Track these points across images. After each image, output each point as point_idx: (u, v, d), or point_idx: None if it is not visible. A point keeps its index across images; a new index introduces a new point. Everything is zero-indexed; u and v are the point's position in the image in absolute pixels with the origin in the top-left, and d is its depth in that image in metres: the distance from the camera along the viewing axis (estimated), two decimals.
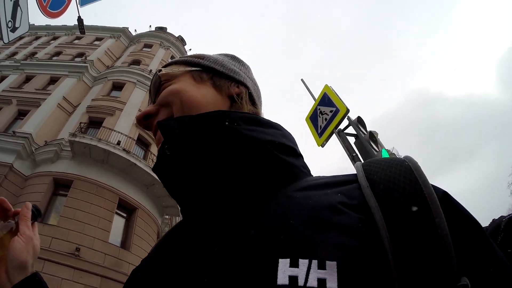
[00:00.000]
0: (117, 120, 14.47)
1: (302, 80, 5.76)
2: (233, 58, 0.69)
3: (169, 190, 0.51)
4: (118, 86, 17.05)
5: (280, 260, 0.34)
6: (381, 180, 0.40)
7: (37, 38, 23.02)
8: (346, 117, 4.31)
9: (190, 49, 24.76)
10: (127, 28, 23.38)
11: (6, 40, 3.60)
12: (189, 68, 0.61)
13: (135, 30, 24.18)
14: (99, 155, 12.23)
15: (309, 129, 4.79)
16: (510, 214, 0.92)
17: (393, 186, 0.38)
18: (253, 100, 0.63)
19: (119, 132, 13.31)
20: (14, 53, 20.93)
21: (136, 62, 19.53)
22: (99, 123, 14.33)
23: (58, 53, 20.43)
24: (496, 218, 0.96)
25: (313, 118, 4.74)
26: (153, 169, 0.51)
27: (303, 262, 0.33)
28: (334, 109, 4.35)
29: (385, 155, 4.15)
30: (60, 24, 22.68)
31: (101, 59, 19.71)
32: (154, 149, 14.32)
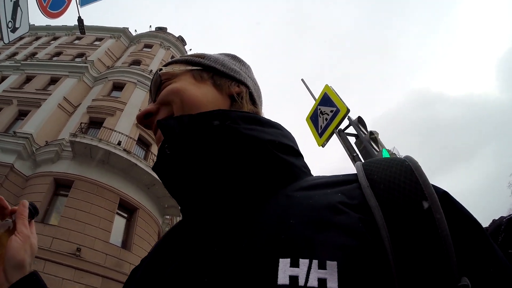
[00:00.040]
0: (118, 120, 14.49)
1: (302, 80, 5.77)
2: (234, 57, 0.69)
3: (169, 189, 0.51)
4: (118, 87, 17.06)
5: (280, 260, 0.34)
6: (381, 179, 0.40)
7: (37, 38, 23.04)
8: (347, 117, 4.31)
9: (190, 49, 24.76)
10: (127, 28, 23.41)
11: (6, 41, 3.60)
12: (190, 67, 0.61)
13: (135, 30, 24.24)
14: (100, 155, 12.24)
15: (310, 129, 4.78)
16: (510, 215, 0.91)
17: (393, 186, 0.38)
18: (254, 99, 0.63)
19: (119, 133, 13.32)
20: (15, 54, 20.95)
21: (137, 62, 19.54)
22: (100, 124, 14.35)
23: (58, 54, 20.44)
24: (496, 218, 0.96)
25: (313, 118, 4.74)
26: (153, 168, 0.51)
27: (303, 262, 0.33)
28: (334, 109, 4.35)
29: (385, 155, 4.16)
30: (60, 24, 22.68)
31: (102, 59, 19.73)
32: (154, 149, 14.32)
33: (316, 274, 0.31)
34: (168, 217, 14.94)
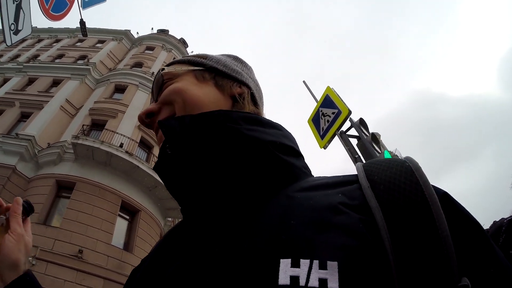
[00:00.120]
0: (120, 123, 14.52)
1: (304, 82, 5.75)
2: (236, 58, 0.69)
3: (170, 190, 0.51)
4: (120, 89, 17.11)
5: (281, 260, 0.34)
6: (381, 180, 0.40)
7: (39, 40, 23.17)
8: (348, 118, 4.30)
9: (192, 51, 24.81)
10: (129, 30, 23.50)
11: (9, 43, 3.62)
12: (192, 68, 0.61)
13: (137, 33, 24.38)
14: (102, 157, 12.27)
15: (312, 131, 4.77)
16: (511, 216, 0.91)
17: (393, 187, 0.38)
18: (255, 100, 0.63)
19: (121, 135, 13.35)
20: (17, 56, 21.09)
21: (138, 65, 19.60)
22: (102, 126, 14.39)
23: (60, 56, 20.54)
24: (497, 220, 0.96)
25: (315, 120, 4.73)
26: (154, 168, 0.51)
27: (304, 262, 0.33)
28: (336, 111, 4.34)
29: (387, 156, 4.14)
30: (62, 26, 22.84)
31: (104, 61, 19.80)
32: (156, 151, 14.31)
33: (317, 274, 0.31)
34: (170, 219, 14.94)
